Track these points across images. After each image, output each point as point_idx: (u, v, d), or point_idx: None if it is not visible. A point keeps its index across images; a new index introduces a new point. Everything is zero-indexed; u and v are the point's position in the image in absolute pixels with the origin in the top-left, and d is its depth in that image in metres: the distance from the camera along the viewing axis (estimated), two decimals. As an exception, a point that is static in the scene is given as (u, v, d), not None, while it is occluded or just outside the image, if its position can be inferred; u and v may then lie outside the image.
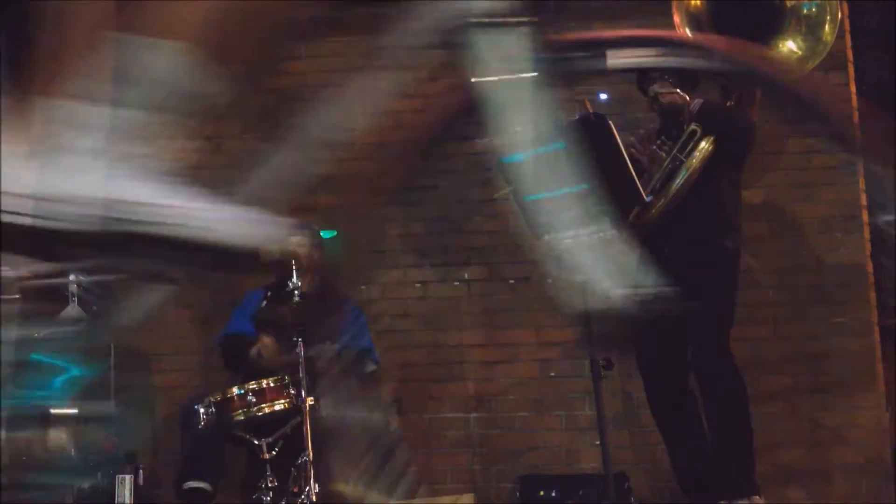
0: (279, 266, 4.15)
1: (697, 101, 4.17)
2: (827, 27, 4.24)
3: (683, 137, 4.13)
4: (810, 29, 4.27)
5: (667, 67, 4.28)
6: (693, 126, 4.12)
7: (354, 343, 4.49)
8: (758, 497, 3.92)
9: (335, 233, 4.90)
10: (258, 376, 4.14)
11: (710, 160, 4.12)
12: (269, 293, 4.63)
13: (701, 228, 4.12)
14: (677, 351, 4.16)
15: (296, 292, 3.99)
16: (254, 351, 4.41)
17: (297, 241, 4.69)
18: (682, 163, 4.12)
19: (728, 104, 4.32)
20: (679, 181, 4.11)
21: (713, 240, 4.14)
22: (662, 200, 4.12)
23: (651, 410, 4.33)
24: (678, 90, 4.14)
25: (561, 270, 1.51)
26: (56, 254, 1.24)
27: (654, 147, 4.19)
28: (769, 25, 4.31)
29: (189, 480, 4.14)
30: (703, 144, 4.11)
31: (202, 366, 5.03)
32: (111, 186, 1.21)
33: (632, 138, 4.31)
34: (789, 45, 4.28)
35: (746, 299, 4.68)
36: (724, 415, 4.02)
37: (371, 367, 4.65)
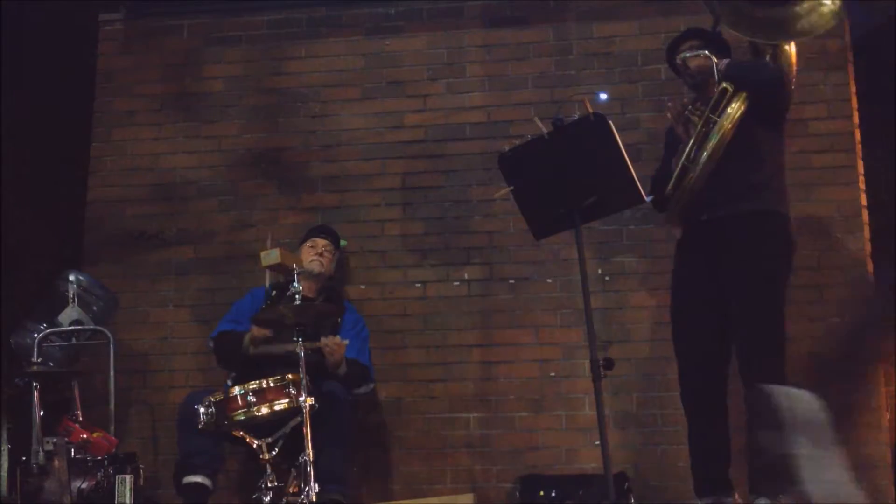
0: (280, 269, 4.16)
1: (725, 60, 4.04)
2: None
3: (715, 97, 3.99)
4: None
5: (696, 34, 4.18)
6: (724, 85, 3.98)
7: (353, 356, 4.48)
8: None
9: (345, 242, 4.91)
10: (252, 373, 4.13)
11: (746, 119, 3.96)
12: (273, 293, 4.62)
13: (739, 189, 3.95)
14: (720, 339, 3.96)
15: (297, 296, 3.97)
16: (246, 339, 4.39)
17: (322, 245, 4.70)
18: (714, 123, 3.96)
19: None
20: (712, 143, 3.95)
21: (753, 201, 3.95)
22: (697, 166, 3.97)
23: (682, 400, 4.12)
24: (705, 52, 4.03)
25: None
26: None
27: (686, 113, 4.05)
28: None
29: (188, 475, 4.13)
30: (735, 103, 3.96)
31: (202, 366, 5.03)
32: None
33: (669, 104, 4.17)
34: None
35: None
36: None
37: (367, 388, 4.62)
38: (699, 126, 3.99)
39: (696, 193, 3.99)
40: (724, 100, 3.97)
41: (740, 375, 3.90)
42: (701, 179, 3.97)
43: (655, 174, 4.22)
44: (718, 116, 3.96)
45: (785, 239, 4.01)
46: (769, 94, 4.01)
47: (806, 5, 4.09)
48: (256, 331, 4.34)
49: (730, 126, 3.95)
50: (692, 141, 4.00)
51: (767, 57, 4.18)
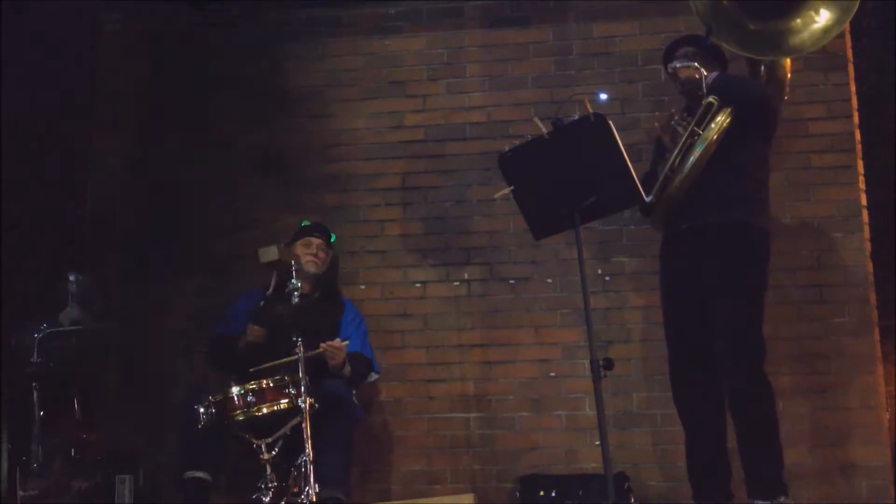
0: (278, 266, 4.15)
1: (713, 74, 4.09)
2: None
3: (700, 110, 4.02)
4: None
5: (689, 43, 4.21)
6: (710, 99, 4.01)
7: (357, 350, 4.48)
8: (788, 497, 3.86)
9: (334, 236, 4.90)
10: (249, 375, 4.13)
11: (732, 133, 4.00)
12: (267, 293, 4.62)
13: (721, 201, 3.99)
14: (708, 345, 3.99)
15: (295, 293, 3.97)
16: (242, 342, 4.39)
17: (317, 245, 4.69)
18: (698, 136, 4.01)
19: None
20: (696, 154, 3.99)
21: (734, 213, 3.99)
22: (680, 176, 4.01)
23: (676, 404, 4.18)
24: (695, 63, 4.09)
25: None
26: None
27: (672, 123, 4.10)
28: None
29: (189, 470, 4.11)
30: (720, 117, 4.00)
31: (202, 366, 5.03)
32: None
33: (657, 112, 4.21)
34: (822, 14, 4.12)
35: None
36: (754, 415, 3.91)
37: (373, 378, 4.64)
38: (684, 137, 4.03)
39: (679, 202, 4.04)
40: (709, 113, 4.02)
41: (723, 382, 3.98)
42: (683, 189, 4.02)
43: (642, 179, 4.24)
44: (703, 129, 4.02)
45: (760, 252, 4.05)
46: (753, 112, 4.05)
47: (799, 21, 4.10)
48: (251, 335, 4.34)
49: (714, 139, 4.00)
50: (676, 151, 4.04)
51: (763, 67, 4.21)
